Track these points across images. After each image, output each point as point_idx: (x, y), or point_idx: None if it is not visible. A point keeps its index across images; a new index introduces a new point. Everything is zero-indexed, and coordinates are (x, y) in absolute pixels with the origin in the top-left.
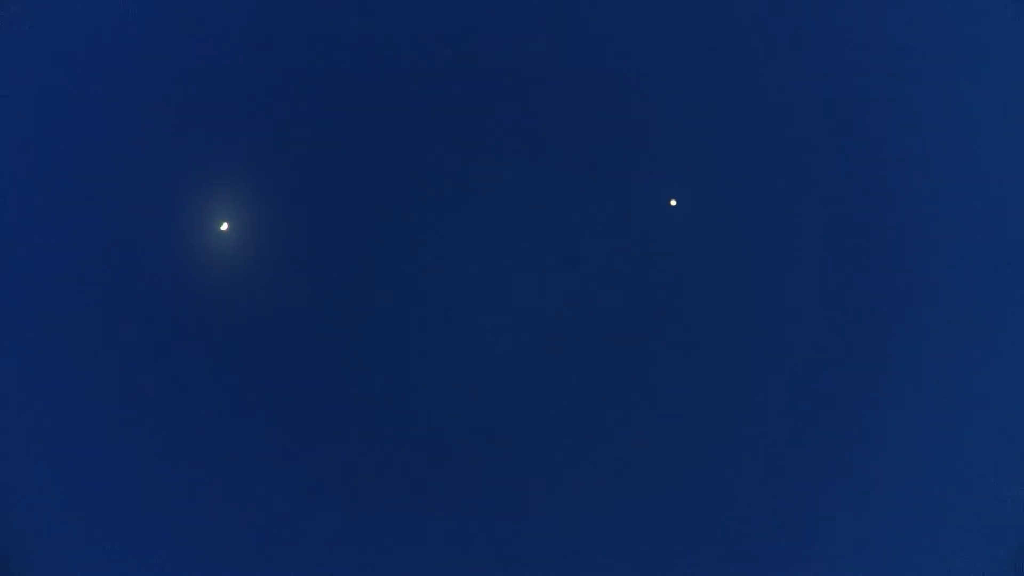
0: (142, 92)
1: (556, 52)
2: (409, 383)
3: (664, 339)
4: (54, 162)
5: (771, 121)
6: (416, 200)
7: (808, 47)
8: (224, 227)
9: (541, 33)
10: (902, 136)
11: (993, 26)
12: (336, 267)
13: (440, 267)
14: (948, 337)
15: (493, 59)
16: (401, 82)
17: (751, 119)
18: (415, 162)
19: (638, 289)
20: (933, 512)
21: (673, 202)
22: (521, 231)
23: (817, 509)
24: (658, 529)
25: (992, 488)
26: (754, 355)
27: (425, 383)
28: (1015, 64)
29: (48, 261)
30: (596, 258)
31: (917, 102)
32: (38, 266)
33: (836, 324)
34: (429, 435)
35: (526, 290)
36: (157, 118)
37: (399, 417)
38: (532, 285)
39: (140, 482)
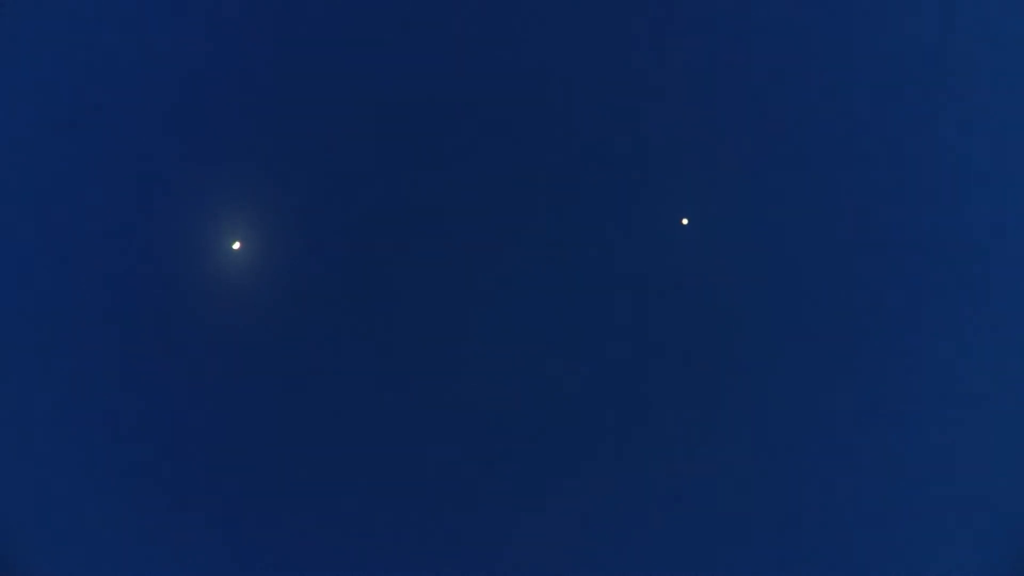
0: (157, 104)
1: (565, 66)
2: (412, 386)
3: (670, 348)
4: (67, 176)
5: (775, 134)
6: (425, 213)
7: (816, 55)
8: (236, 246)
9: (552, 45)
10: (910, 140)
11: (996, 25)
12: (345, 285)
13: (445, 275)
14: (948, 339)
15: (502, 68)
16: (411, 96)
17: (752, 128)
18: (425, 176)
19: (641, 303)
20: (934, 512)
21: (685, 221)
22: (525, 243)
23: (818, 510)
24: (661, 531)
25: (993, 489)
26: (754, 357)
27: (427, 386)
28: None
29: (55, 269)
30: (600, 266)
31: (935, 113)
32: (46, 275)
33: (835, 326)
34: (428, 438)
35: (528, 306)
36: (171, 133)
37: (399, 422)
38: (536, 301)
39: (139, 483)
